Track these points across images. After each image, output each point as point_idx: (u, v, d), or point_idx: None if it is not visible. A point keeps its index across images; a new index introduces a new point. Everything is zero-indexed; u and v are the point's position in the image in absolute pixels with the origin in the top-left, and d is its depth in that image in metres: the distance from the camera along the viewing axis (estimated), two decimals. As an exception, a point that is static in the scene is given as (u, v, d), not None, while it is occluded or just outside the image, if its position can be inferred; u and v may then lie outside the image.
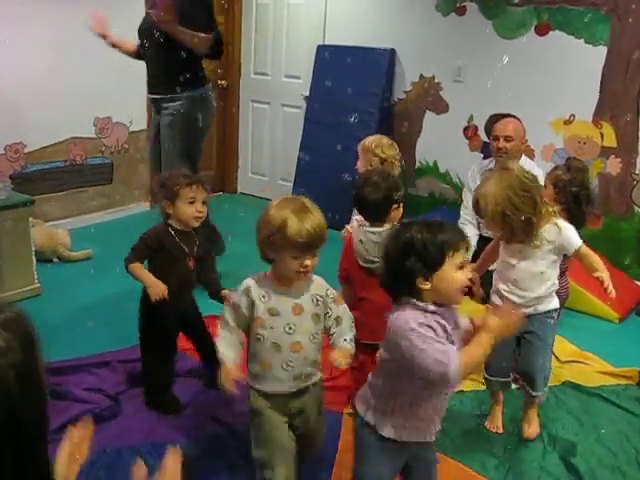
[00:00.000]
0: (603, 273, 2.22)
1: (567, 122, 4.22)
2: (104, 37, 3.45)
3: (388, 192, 2.31)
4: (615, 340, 3.45)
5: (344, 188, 4.14)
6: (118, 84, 4.39)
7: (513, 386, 2.56)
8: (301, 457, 2.01)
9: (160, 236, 2.41)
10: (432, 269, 1.58)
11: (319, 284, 1.90)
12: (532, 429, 2.50)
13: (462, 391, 2.75)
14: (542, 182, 2.57)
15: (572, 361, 3.13)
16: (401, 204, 2.39)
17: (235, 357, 1.86)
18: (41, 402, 1.00)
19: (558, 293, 2.40)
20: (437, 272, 1.58)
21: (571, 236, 2.24)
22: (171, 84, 3.40)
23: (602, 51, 4.02)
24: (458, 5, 4.50)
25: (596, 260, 2.26)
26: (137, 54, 3.59)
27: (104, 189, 4.90)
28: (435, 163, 4.82)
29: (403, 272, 1.59)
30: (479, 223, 3.62)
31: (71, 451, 1.14)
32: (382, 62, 4.78)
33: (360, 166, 3.00)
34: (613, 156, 4.11)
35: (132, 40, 3.57)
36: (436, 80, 4.69)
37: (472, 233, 3.62)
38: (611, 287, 2.21)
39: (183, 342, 2.67)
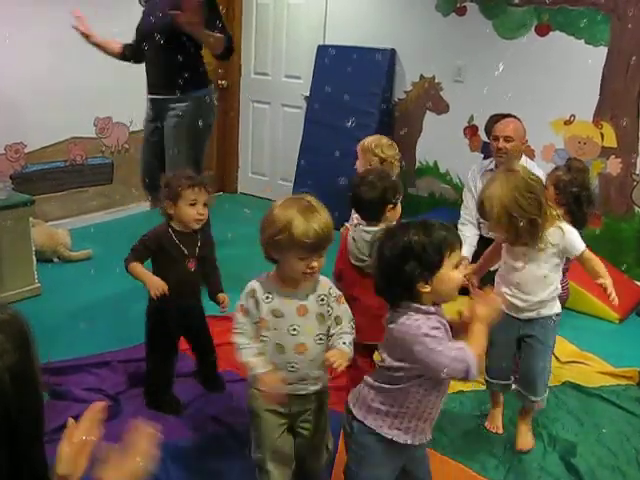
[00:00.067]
0: (606, 279, 2.22)
1: (567, 122, 4.22)
2: (87, 36, 3.39)
3: (383, 192, 2.32)
4: (615, 340, 3.45)
5: (344, 188, 4.14)
6: (118, 84, 4.39)
7: (513, 386, 2.56)
8: (301, 471, 1.97)
9: (159, 237, 2.41)
10: (432, 272, 1.58)
11: (324, 283, 1.86)
12: (527, 441, 2.46)
13: (462, 391, 2.76)
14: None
15: (572, 361, 3.13)
16: (397, 205, 2.39)
17: (264, 364, 1.78)
18: (37, 403, 1.00)
19: (559, 294, 2.40)
20: (436, 274, 1.58)
21: (575, 240, 2.23)
22: (177, 85, 3.39)
23: (602, 51, 4.02)
24: (458, 5, 4.50)
25: (599, 265, 2.25)
26: (122, 55, 3.54)
27: (104, 189, 4.90)
28: (435, 163, 4.82)
29: (402, 277, 1.58)
30: (479, 223, 3.62)
31: (77, 443, 1.11)
32: (382, 62, 4.78)
33: (359, 166, 2.99)
34: (613, 156, 4.11)
35: (117, 41, 3.52)
36: (436, 80, 4.70)
37: (472, 233, 3.62)
38: (614, 294, 2.21)
39: (184, 343, 2.66)
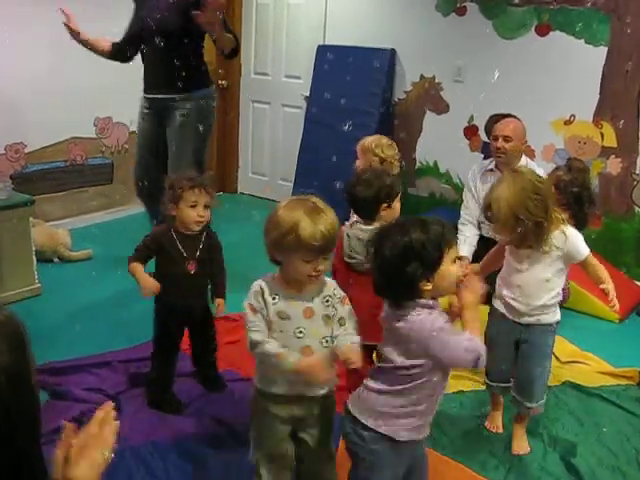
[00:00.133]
0: (609, 285, 2.22)
1: (567, 122, 4.22)
2: (77, 34, 3.35)
3: (378, 191, 2.33)
4: (615, 340, 3.45)
5: (344, 188, 4.14)
6: (118, 84, 4.39)
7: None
8: (304, 476, 1.93)
9: (160, 238, 2.43)
10: (433, 270, 1.59)
11: (329, 285, 1.82)
12: (523, 445, 2.46)
13: (462, 391, 2.76)
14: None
15: (572, 361, 3.13)
16: (394, 205, 2.39)
17: (297, 355, 1.72)
18: (33, 404, 1.00)
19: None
20: (437, 271, 1.59)
21: (579, 244, 2.22)
22: (181, 84, 3.39)
23: (602, 51, 4.02)
24: (458, 5, 4.50)
25: (602, 270, 2.25)
26: (111, 54, 3.52)
27: (104, 189, 4.90)
28: (435, 163, 4.82)
29: (404, 277, 1.58)
30: (479, 223, 3.62)
31: (75, 446, 1.09)
32: (382, 62, 4.78)
33: (359, 166, 3.00)
34: (613, 156, 4.11)
35: (107, 39, 3.49)
36: (436, 80, 4.69)
37: (472, 233, 3.62)
38: (616, 301, 2.21)
39: (184, 343, 2.66)
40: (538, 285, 2.24)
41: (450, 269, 1.61)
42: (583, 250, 2.22)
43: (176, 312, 2.48)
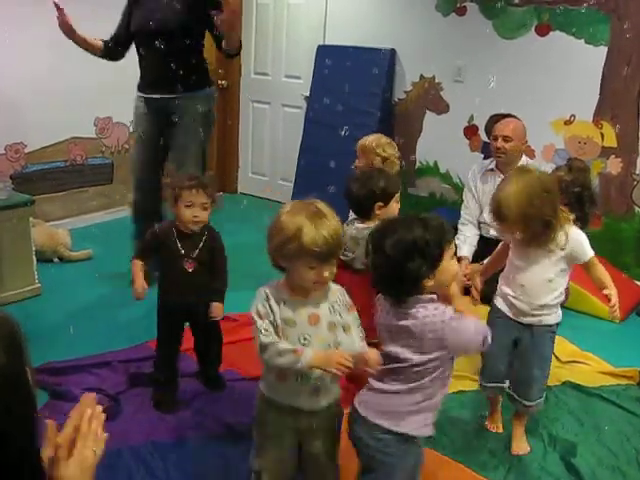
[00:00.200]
0: (612, 290, 2.22)
1: (567, 122, 4.22)
2: (73, 32, 3.30)
3: (372, 189, 2.33)
4: (615, 340, 3.45)
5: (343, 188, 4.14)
6: (118, 84, 4.38)
7: (506, 388, 2.54)
8: None
9: (160, 235, 2.47)
10: (435, 266, 1.62)
11: (335, 291, 1.78)
12: (522, 445, 2.46)
13: (462, 391, 2.75)
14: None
15: (572, 361, 3.13)
16: (391, 204, 2.39)
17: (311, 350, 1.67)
18: (29, 405, 1.00)
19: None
20: (438, 267, 1.62)
21: (584, 245, 2.22)
22: (185, 84, 3.39)
23: (602, 51, 4.02)
24: (458, 5, 4.50)
25: (604, 275, 2.25)
26: (103, 52, 3.50)
27: (104, 189, 4.90)
28: (435, 163, 4.82)
29: (408, 274, 1.60)
30: (480, 223, 3.62)
31: (79, 452, 1.07)
32: (382, 62, 4.78)
33: (359, 166, 3.00)
34: (613, 156, 4.11)
35: (98, 38, 3.48)
36: (436, 80, 4.69)
37: (472, 233, 3.62)
38: (617, 307, 2.21)
39: (185, 343, 2.67)
40: (541, 285, 2.23)
41: (450, 264, 1.65)
42: (588, 251, 2.22)
43: (175, 310, 2.50)
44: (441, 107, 4.72)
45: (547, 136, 4.25)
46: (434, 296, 1.65)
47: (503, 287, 2.33)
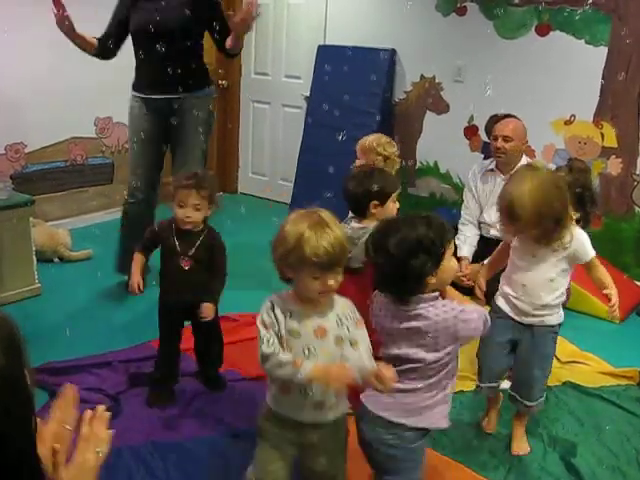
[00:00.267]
0: (612, 290, 2.22)
1: (568, 122, 4.22)
2: (72, 31, 3.24)
3: (368, 188, 2.33)
4: (615, 340, 3.45)
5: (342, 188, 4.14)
6: (118, 84, 4.37)
7: (504, 388, 2.54)
8: None
9: (158, 231, 2.51)
10: (438, 264, 1.64)
11: (344, 304, 1.74)
12: (523, 445, 2.46)
13: (462, 391, 2.75)
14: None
15: (572, 361, 3.13)
16: (388, 204, 2.39)
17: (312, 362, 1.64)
18: (27, 406, 1.00)
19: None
20: (440, 265, 1.64)
21: (586, 245, 2.22)
22: (187, 84, 3.39)
23: (603, 51, 4.02)
24: (458, 5, 4.50)
25: (605, 275, 2.25)
26: (97, 51, 3.46)
27: (104, 189, 4.90)
28: (435, 163, 4.82)
29: (412, 272, 1.61)
30: (480, 223, 3.62)
31: (80, 456, 1.07)
32: (382, 62, 4.78)
33: (359, 166, 3.00)
34: (614, 156, 4.11)
35: (92, 36, 3.43)
36: (436, 80, 4.69)
37: (472, 233, 3.62)
38: (617, 307, 2.21)
39: (185, 343, 2.67)
40: (542, 284, 2.23)
41: (451, 262, 1.68)
42: (590, 251, 2.22)
43: (172, 308, 2.52)
44: (441, 107, 4.72)
45: (547, 136, 4.25)
46: (437, 294, 1.67)
47: (505, 287, 2.33)
